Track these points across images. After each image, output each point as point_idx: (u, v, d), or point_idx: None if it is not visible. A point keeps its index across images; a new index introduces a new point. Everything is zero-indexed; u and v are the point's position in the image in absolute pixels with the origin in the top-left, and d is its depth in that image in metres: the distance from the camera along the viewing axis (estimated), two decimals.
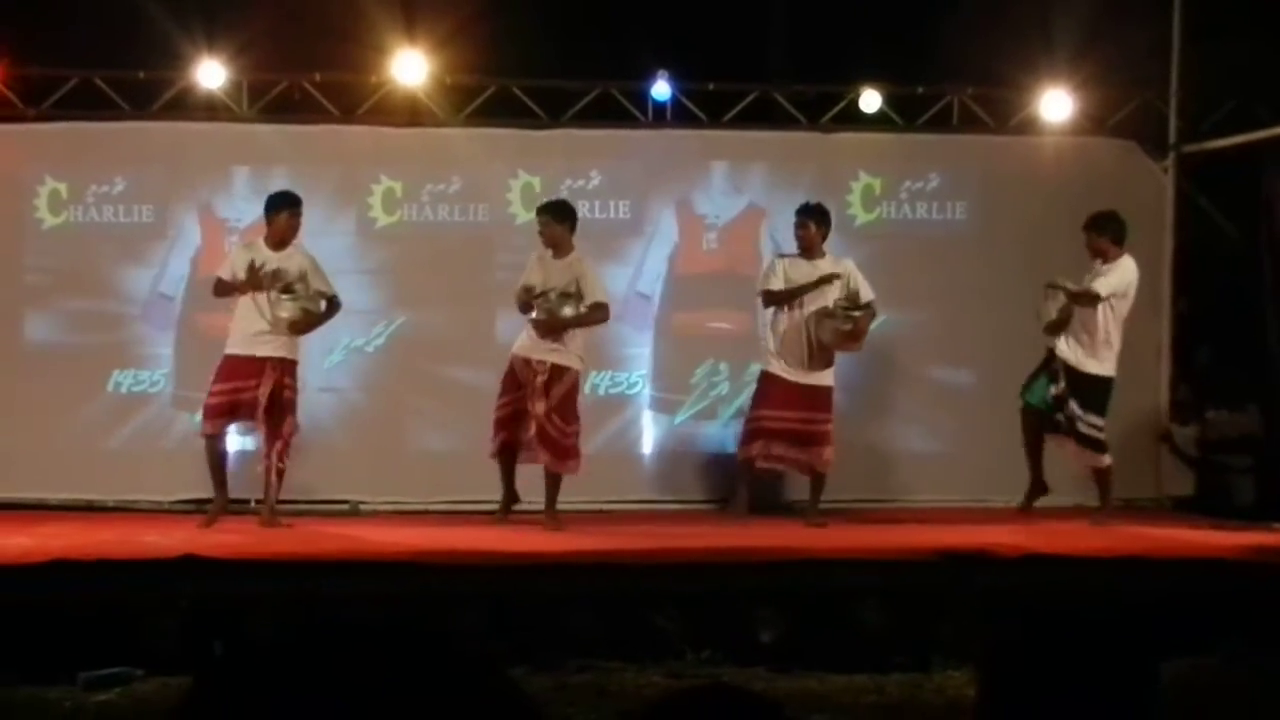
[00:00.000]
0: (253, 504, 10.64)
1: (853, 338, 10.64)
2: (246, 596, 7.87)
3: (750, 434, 10.76)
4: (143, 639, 7.63)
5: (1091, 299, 10.60)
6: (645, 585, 8.35)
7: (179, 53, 11.67)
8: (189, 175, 11.79)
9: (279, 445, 10.24)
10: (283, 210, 10.34)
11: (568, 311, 10.33)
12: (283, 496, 11.07)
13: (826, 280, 10.63)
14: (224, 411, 10.25)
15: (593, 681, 7.60)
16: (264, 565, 8.48)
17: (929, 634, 8.05)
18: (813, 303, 10.66)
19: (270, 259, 10.23)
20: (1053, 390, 10.67)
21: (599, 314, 10.48)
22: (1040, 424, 10.80)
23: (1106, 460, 10.77)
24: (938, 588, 8.40)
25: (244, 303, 10.22)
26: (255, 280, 10.12)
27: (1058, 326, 10.69)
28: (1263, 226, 12.02)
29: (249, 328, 10.21)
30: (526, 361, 10.38)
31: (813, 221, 10.79)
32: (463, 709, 1.64)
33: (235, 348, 10.25)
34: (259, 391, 10.13)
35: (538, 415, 10.31)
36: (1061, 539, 9.82)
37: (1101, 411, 10.69)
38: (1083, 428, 10.65)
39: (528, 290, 10.36)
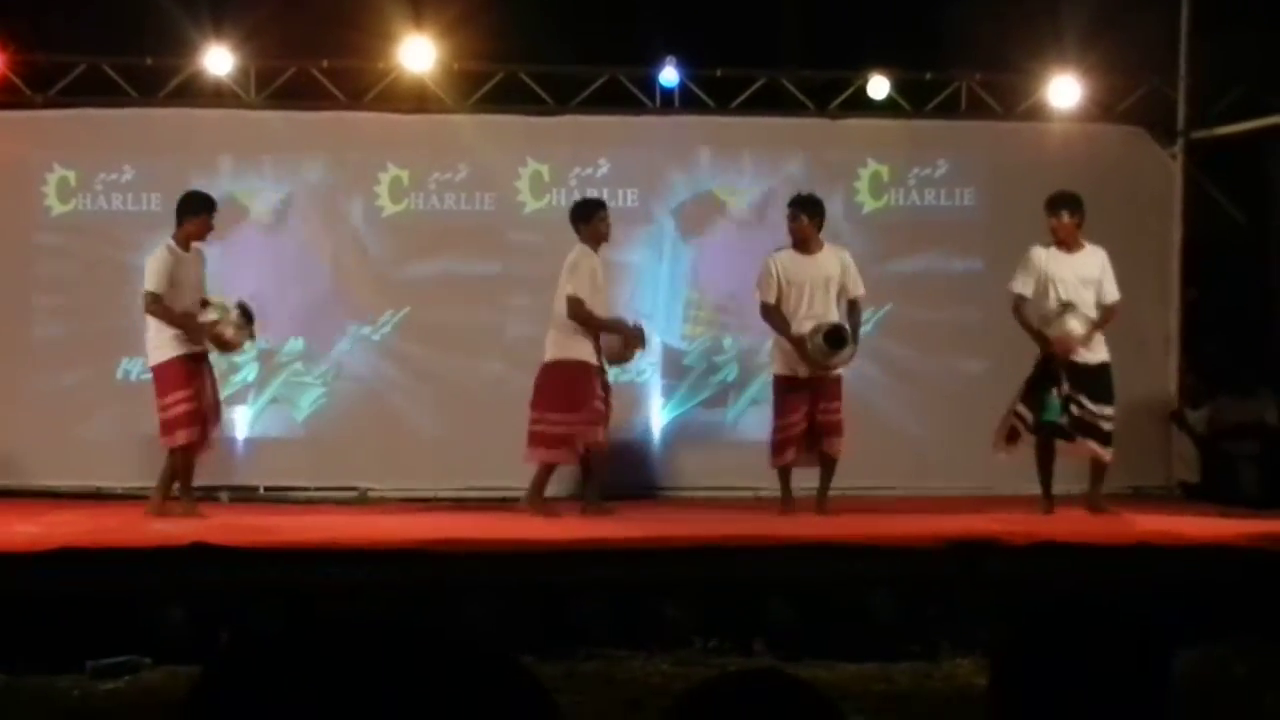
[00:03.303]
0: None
1: (829, 367, 10.49)
2: (254, 585, 7.86)
3: (780, 444, 10.62)
4: (151, 627, 7.63)
5: (1112, 313, 10.48)
6: (653, 573, 8.35)
7: (186, 39, 11.67)
8: (197, 162, 11.77)
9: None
10: (201, 212, 10.30)
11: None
12: (292, 482, 11.31)
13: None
14: (199, 418, 10.22)
15: (601, 670, 7.59)
16: (271, 553, 8.47)
17: (938, 622, 8.03)
18: (810, 302, 10.49)
19: (184, 260, 10.22)
20: (1057, 394, 10.42)
21: None
22: (1054, 441, 10.55)
23: (1109, 455, 10.63)
24: (946, 576, 8.38)
25: (182, 304, 10.15)
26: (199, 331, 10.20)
27: (1088, 337, 10.46)
28: (1274, 212, 12.00)
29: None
30: (602, 369, 10.58)
31: (804, 213, 10.55)
32: (475, 700, 1.63)
33: (183, 348, 10.18)
34: (210, 385, 10.28)
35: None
36: (1071, 527, 9.80)
37: (1112, 399, 10.50)
38: (1102, 423, 10.43)
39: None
